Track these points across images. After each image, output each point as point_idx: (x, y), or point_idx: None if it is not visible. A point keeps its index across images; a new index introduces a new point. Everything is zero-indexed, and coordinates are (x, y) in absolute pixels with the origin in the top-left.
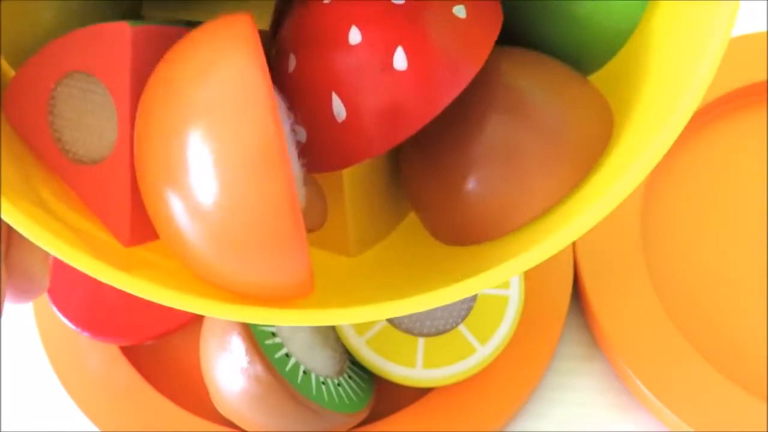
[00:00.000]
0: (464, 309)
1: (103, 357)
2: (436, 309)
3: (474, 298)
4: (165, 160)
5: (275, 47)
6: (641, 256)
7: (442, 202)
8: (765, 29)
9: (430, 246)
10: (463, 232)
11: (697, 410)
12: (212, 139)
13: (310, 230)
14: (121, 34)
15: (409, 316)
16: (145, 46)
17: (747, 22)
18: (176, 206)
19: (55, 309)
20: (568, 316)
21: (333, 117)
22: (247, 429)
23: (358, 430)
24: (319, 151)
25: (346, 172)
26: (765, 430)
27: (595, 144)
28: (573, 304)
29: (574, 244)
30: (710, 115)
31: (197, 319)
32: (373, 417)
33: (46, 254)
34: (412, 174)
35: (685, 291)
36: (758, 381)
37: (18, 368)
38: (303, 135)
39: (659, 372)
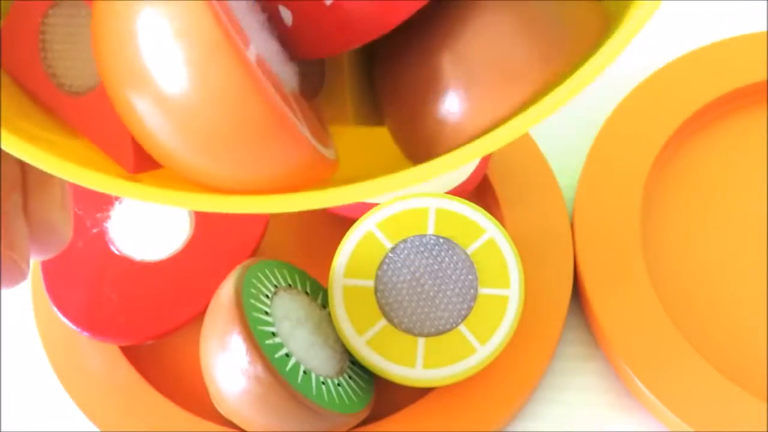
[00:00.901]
0: (464, 309)
1: (103, 357)
2: (437, 309)
3: (474, 298)
4: (117, 53)
5: None
6: (641, 256)
7: (410, 120)
8: (765, 29)
9: None
10: (428, 147)
11: (697, 410)
12: (155, 23)
13: (309, 97)
14: None
15: (410, 316)
16: None
17: (747, 22)
18: (140, 104)
19: (55, 309)
20: (568, 316)
21: (322, 2)
22: (247, 429)
23: (358, 430)
24: (309, 36)
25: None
26: (765, 430)
27: (589, 39)
28: (573, 304)
29: (574, 244)
30: (710, 115)
31: (197, 319)
32: (373, 417)
33: (65, 201)
34: (386, 81)
35: (685, 291)
36: (758, 381)
37: (18, 368)
38: (288, 16)
39: (659, 372)
